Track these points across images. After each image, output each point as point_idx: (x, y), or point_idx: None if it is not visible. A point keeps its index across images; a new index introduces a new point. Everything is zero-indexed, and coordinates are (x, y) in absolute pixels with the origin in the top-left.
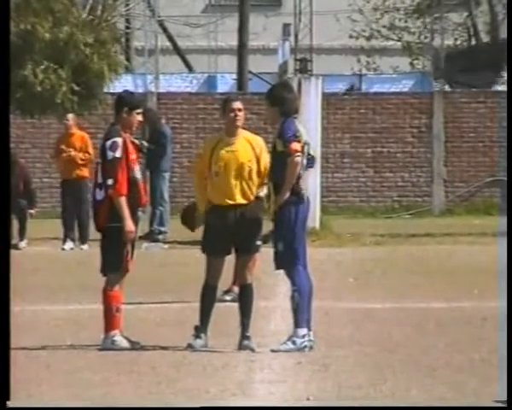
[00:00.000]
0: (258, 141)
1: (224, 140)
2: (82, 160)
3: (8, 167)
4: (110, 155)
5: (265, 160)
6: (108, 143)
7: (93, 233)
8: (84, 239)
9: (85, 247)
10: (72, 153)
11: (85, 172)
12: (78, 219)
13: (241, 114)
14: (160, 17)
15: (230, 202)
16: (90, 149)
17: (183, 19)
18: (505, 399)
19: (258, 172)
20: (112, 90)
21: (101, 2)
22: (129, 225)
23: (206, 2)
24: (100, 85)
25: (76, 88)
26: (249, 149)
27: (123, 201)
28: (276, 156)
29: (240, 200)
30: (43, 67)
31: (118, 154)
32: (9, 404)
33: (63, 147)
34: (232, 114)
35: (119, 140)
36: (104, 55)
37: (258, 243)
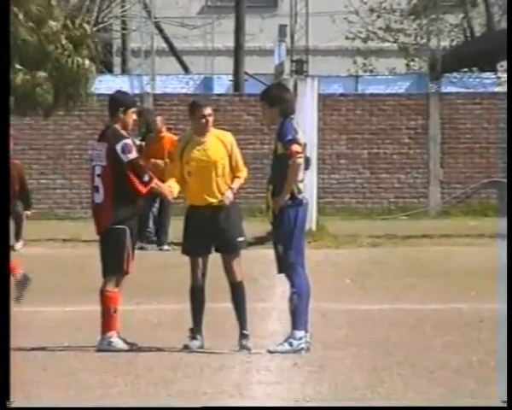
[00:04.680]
0: (229, 137)
1: (194, 140)
2: None
3: (8, 170)
4: (128, 157)
5: (236, 155)
6: (119, 147)
7: (91, 233)
8: (163, 240)
9: (166, 247)
10: (160, 161)
11: None
12: (160, 222)
13: (211, 119)
14: (156, 18)
15: (208, 201)
16: None
17: (180, 20)
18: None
19: (231, 167)
20: (106, 91)
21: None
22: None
23: (203, 4)
24: (79, 80)
25: (58, 84)
26: (220, 146)
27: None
28: (276, 159)
29: (216, 197)
30: (20, 66)
31: (133, 155)
32: (9, 404)
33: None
34: (203, 121)
35: (129, 141)
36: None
37: (241, 239)
